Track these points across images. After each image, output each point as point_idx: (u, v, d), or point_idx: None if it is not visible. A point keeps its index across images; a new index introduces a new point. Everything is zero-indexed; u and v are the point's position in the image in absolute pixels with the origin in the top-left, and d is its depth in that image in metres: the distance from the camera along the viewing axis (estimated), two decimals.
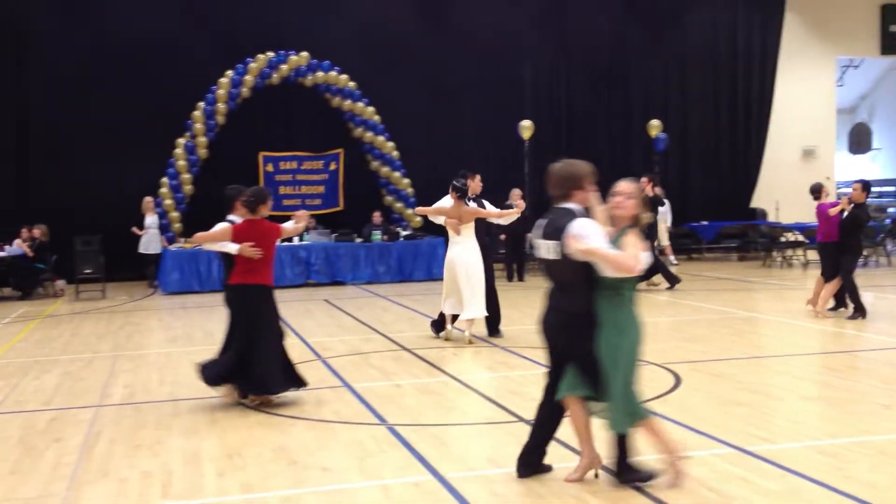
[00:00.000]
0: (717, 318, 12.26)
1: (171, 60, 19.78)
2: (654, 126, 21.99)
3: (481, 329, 10.84)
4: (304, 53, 19.45)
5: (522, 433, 6.51)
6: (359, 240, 18.73)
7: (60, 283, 17.74)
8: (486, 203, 10.82)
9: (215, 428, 6.94)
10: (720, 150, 24.45)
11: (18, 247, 17.08)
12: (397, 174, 20.17)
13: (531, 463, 5.56)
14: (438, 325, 10.92)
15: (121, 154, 19.08)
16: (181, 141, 18.84)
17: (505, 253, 18.57)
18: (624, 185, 5.27)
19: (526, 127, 20.89)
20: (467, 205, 10.52)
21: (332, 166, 20.46)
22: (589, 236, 5.02)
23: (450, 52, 21.85)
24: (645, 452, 5.52)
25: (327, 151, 20.43)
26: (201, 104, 18.90)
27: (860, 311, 11.94)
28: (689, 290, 15.63)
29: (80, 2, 19.88)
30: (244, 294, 7.57)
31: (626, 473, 5.33)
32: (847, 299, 12.26)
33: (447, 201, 10.66)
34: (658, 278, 15.73)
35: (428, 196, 20.57)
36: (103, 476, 5.82)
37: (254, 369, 7.48)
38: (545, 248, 5.30)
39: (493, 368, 9.05)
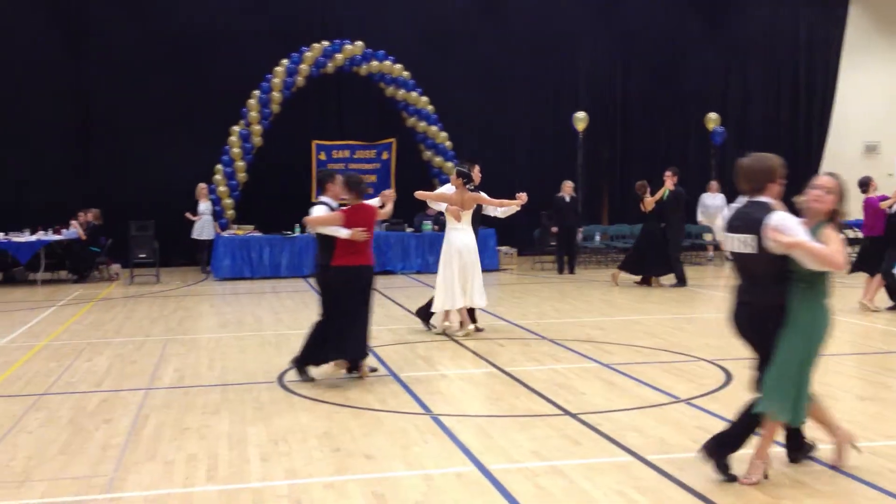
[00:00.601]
0: None
1: (227, 49, 20.00)
2: (712, 119, 21.67)
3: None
4: (359, 43, 19.47)
5: (567, 426, 6.45)
6: (409, 229, 18.73)
7: (115, 267, 18.05)
8: (482, 194, 10.73)
9: (261, 413, 6.98)
10: (780, 144, 23.87)
11: (74, 230, 17.39)
12: (450, 164, 20.10)
13: (723, 447, 5.33)
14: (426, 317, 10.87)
15: (176, 141, 19.37)
16: (236, 129, 19.00)
17: (556, 245, 18.45)
18: (824, 180, 5.16)
19: (580, 119, 20.70)
20: (470, 192, 10.50)
21: (385, 155, 20.47)
22: (792, 229, 4.92)
23: (504, 41, 21.76)
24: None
25: (380, 141, 20.44)
26: (256, 93, 19.03)
27: None
28: None
29: None
30: (351, 274, 7.86)
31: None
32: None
33: (449, 188, 10.82)
34: (666, 278, 15.43)
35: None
36: (150, 458, 5.88)
37: (351, 337, 7.83)
38: (738, 242, 5.20)
39: (541, 361, 8.98)
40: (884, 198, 12.18)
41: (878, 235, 12.07)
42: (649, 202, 15.16)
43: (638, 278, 15.50)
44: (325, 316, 7.99)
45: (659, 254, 15.06)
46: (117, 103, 19.79)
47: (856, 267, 12.52)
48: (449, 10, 21.43)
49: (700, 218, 20.38)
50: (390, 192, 8.59)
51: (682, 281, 15.11)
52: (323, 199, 8.12)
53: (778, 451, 5.71)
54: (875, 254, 12.08)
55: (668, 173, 15.38)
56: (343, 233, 7.76)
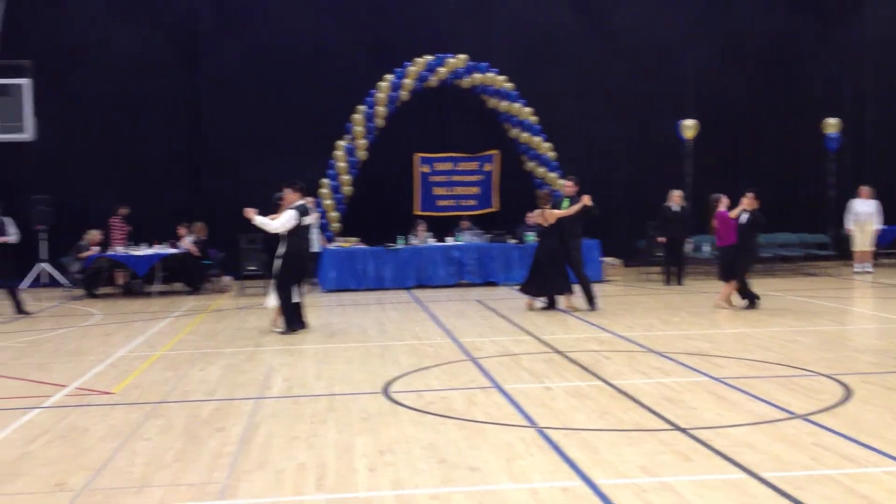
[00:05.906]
0: (892, 327, 11.53)
1: (332, 65, 20.46)
2: (831, 124, 20.87)
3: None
4: (462, 56, 19.56)
5: (677, 442, 6.30)
6: (512, 241, 18.67)
7: (226, 280, 18.54)
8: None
9: (368, 424, 7.04)
10: None
11: (185, 245, 17.95)
12: (553, 175, 19.99)
13: None
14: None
15: (284, 155, 19.80)
16: (341, 143, 19.33)
17: (663, 256, 18.10)
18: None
19: (688, 126, 20.31)
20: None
21: (487, 167, 20.49)
22: None
23: (608, 49, 21.56)
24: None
25: (483, 152, 20.48)
26: (361, 107, 19.32)
27: (753, 301, 13.41)
28: (859, 297, 14.81)
29: (246, 9, 20.80)
30: None
31: None
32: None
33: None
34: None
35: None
36: (261, 466, 5.99)
37: None
38: None
39: (648, 374, 8.81)
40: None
41: (730, 244, 13.38)
42: (554, 215, 14.03)
43: (539, 301, 14.33)
44: None
45: (561, 270, 13.99)
46: (227, 119, 20.42)
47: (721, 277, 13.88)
48: (551, 20, 21.35)
49: (850, 226, 19.17)
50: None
51: (591, 302, 14.01)
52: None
53: None
54: (731, 261, 13.42)
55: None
56: None
